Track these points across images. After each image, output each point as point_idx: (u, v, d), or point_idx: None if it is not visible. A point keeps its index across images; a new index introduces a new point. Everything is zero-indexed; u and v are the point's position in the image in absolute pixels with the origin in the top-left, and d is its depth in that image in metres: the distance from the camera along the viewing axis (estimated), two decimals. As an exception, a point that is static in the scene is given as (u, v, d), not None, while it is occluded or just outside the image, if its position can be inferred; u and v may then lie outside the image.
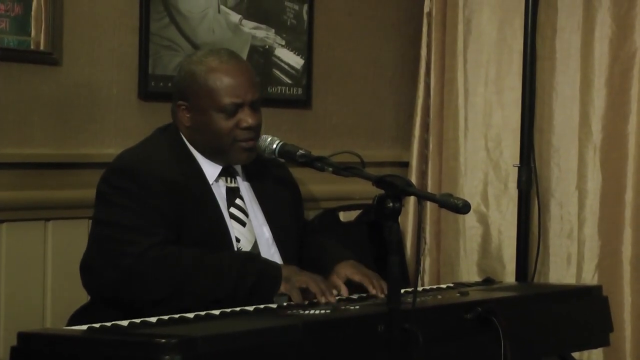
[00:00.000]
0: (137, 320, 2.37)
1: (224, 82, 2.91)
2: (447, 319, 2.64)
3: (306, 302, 2.72)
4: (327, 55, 4.13)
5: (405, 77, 4.39)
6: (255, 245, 2.97)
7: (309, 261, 3.04)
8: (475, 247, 4.12)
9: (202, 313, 2.50)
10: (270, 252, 2.99)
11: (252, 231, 2.98)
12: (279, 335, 2.28)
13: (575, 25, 3.94)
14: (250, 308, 2.63)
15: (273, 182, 3.09)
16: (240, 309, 2.60)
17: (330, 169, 2.80)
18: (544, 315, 2.94)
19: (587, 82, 3.90)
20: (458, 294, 2.91)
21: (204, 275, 2.75)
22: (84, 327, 2.35)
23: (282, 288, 2.78)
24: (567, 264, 3.94)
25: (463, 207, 2.40)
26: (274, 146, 2.91)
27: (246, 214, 2.99)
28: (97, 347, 2.19)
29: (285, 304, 2.72)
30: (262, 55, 3.86)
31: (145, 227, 2.77)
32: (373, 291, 2.85)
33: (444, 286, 3.18)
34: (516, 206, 3.86)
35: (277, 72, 3.94)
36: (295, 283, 2.77)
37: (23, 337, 2.26)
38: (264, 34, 3.88)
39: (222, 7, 3.73)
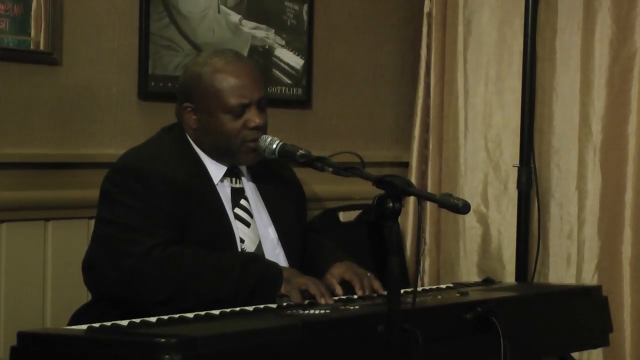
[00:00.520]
0: (137, 320, 2.37)
1: (230, 83, 2.91)
2: (446, 319, 2.64)
3: (306, 302, 2.72)
4: (327, 56, 4.13)
5: (405, 77, 4.39)
6: (259, 246, 2.97)
7: (305, 261, 3.04)
8: (475, 247, 4.12)
9: (202, 313, 2.50)
10: (274, 253, 2.99)
11: (257, 232, 2.98)
12: (278, 335, 2.28)
13: (575, 26, 3.94)
14: (250, 308, 2.63)
15: (278, 183, 3.09)
16: (240, 309, 2.60)
17: (330, 169, 2.80)
18: (543, 315, 2.94)
19: (587, 83, 3.90)
20: (458, 294, 2.91)
21: (206, 276, 2.75)
22: (84, 326, 2.35)
23: (283, 289, 2.78)
24: (566, 264, 3.94)
25: (463, 208, 2.40)
26: (274, 146, 2.91)
27: (251, 215, 2.99)
28: (97, 346, 2.19)
29: (285, 304, 2.72)
30: (262, 56, 3.86)
31: (148, 227, 2.77)
32: (359, 292, 2.85)
33: (443, 286, 3.18)
34: (516, 206, 3.86)
35: (277, 73, 3.94)
36: (295, 284, 2.78)
37: (23, 336, 2.26)
38: (263, 34, 3.88)
39: (222, 7, 3.74)
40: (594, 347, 3.58)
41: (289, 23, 3.96)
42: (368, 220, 4.06)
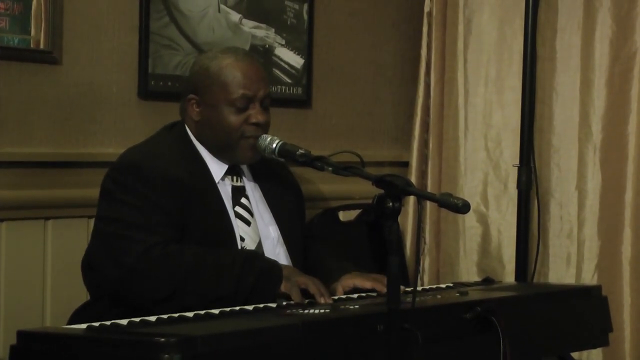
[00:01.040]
0: (137, 319, 2.37)
1: (237, 77, 2.93)
2: (446, 318, 2.64)
3: (306, 301, 2.72)
4: (327, 55, 4.13)
5: (405, 77, 4.39)
6: (259, 245, 2.97)
7: (308, 271, 3.04)
8: (474, 247, 4.12)
9: (202, 312, 2.50)
10: (275, 252, 2.99)
11: (257, 231, 2.98)
12: (278, 334, 2.28)
13: (575, 25, 3.94)
14: (250, 307, 2.63)
15: (278, 183, 3.10)
16: (240, 309, 2.60)
17: (330, 168, 2.80)
18: (543, 315, 2.94)
19: (587, 83, 3.90)
20: (457, 294, 2.91)
21: (206, 274, 2.75)
22: (84, 326, 2.35)
23: (282, 287, 2.78)
24: (566, 264, 3.94)
25: (463, 207, 2.40)
26: (274, 145, 2.91)
27: (251, 213, 2.99)
28: (96, 346, 2.19)
29: (284, 303, 2.72)
30: (262, 55, 3.86)
31: (148, 225, 2.77)
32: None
33: (443, 286, 3.18)
34: (516, 206, 3.86)
35: (277, 72, 3.94)
36: (295, 283, 2.78)
37: (22, 335, 2.26)
38: (264, 33, 3.88)
39: (222, 7, 3.73)
40: (594, 347, 3.58)
41: (289, 22, 3.96)
42: (368, 220, 4.06)
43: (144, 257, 2.73)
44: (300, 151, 2.87)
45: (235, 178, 3.01)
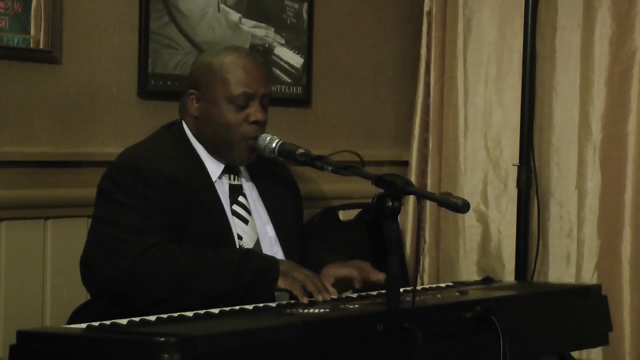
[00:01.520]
0: (137, 319, 2.37)
1: (238, 74, 2.93)
2: (446, 318, 2.63)
3: (306, 301, 2.72)
4: (327, 54, 4.13)
5: (405, 76, 4.39)
6: (257, 243, 2.97)
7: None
8: (474, 246, 4.12)
9: (202, 312, 2.50)
10: (272, 250, 2.99)
11: (255, 229, 2.98)
12: (278, 334, 2.28)
13: (575, 24, 3.94)
14: (250, 307, 2.63)
15: (275, 182, 3.10)
16: (240, 308, 2.60)
17: (330, 168, 2.79)
18: (543, 314, 2.93)
19: (587, 82, 3.90)
20: (457, 293, 2.91)
21: (203, 275, 2.75)
22: (83, 325, 2.35)
23: (281, 283, 2.77)
24: (566, 263, 3.94)
25: (462, 206, 2.40)
26: (274, 145, 2.91)
27: (249, 212, 2.99)
28: (96, 345, 2.19)
29: (284, 302, 2.71)
30: (261, 54, 3.86)
31: (145, 227, 2.77)
32: (357, 285, 2.86)
33: (443, 285, 3.18)
34: (516, 205, 3.86)
35: (277, 71, 3.94)
36: (294, 278, 2.77)
37: (22, 335, 2.26)
38: (263, 32, 3.88)
39: (222, 6, 3.73)
40: (594, 346, 3.58)
41: (288, 22, 3.96)
42: (368, 219, 4.06)
43: (141, 259, 2.72)
44: (300, 150, 2.86)
45: (232, 177, 3.01)
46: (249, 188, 3.04)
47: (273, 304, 2.68)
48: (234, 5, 3.77)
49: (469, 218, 4.08)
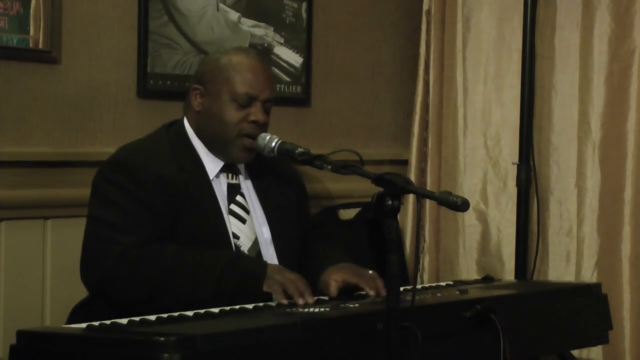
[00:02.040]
0: (137, 319, 2.37)
1: (244, 74, 2.94)
2: (446, 316, 2.64)
3: (286, 302, 2.70)
4: (326, 54, 4.13)
5: (404, 75, 4.39)
6: (255, 243, 2.96)
7: (306, 259, 3.03)
8: (474, 245, 4.12)
9: (202, 311, 2.50)
10: (269, 252, 2.99)
11: (253, 229, 2.98)
12: (278, 333, 2.28)
13: (574, 23, 3.94)
14: (250, 306, 2.63)
15: (277, 182, 3.09)
16: (240, 307, 2.60)
17: (329, 167, 2.79)
18: (543, 313, 2.93)
19: (586, 80, 3.90)
20: (457, 292, 2.91)
21: (185, 275, 2.74)
22: (83, 325, 2.35)
23: (265, 286, 2.76)
24: (566, 261, 3.94)
25: (462, 205, 2.40)
26: (273, 144, 2.91)
27: (247, 211, 2.98)
28: (96, 345, 2.19)
29: (285, 301, 2.71)
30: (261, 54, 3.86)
31: (129, 225, 2.77)
32: (371, 292, 2.83)
33: (443, 284, 3.18)
34: (515, 204, 3.86)
35: (276, 70, 3.94)
36: (276, 281, 2.75)
37: (22, 335, 2.26)
38: (262, 32, 3.88)
39: (221, 5, 3.73)
40: (594, 344, 3.58)
41: (288, 21, 3.96)
42: (367, 218, 4.06)
43: (122, 258, 2.73)
44: (300, 150, 2.86)
45: (230, 175, 3.00)
46: (247, 187, 3.04)
47: (273, 303, 2.68)
48: (233, 4, 3.77)
49: (469, 217, 4.08)
